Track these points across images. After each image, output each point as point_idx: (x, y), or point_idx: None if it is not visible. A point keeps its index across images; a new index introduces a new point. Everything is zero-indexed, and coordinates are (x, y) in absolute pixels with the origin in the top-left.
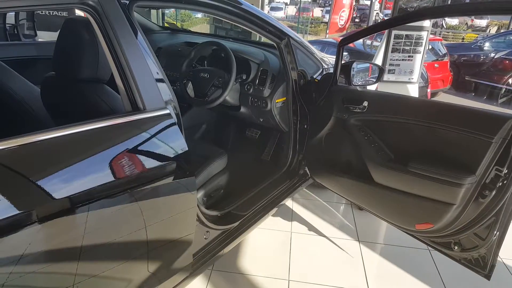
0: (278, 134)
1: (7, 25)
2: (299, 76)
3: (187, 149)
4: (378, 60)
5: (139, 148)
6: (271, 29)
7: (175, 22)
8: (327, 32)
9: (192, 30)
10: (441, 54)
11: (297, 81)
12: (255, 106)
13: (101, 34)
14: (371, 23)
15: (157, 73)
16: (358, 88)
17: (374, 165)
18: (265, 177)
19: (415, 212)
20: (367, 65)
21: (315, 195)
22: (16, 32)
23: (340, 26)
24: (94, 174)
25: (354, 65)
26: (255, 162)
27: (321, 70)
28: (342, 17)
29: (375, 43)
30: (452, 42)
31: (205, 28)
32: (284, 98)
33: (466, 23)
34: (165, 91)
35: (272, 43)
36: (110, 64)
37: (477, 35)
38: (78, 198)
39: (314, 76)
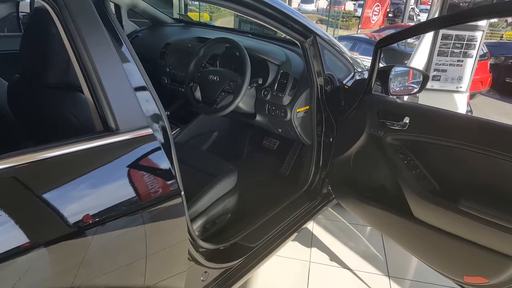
0: (299, 146)
1: (21, 13)
2: (325, 82)
3: (175, 180)
4: (415, 63)
5: (106, 183)
6: (294, 26)
7: (198, 14)
8: (359, 27)
9: (207, 23)
10: (481, 53)
11: (323, 87)
12: (272, 115)
13: (62, 30)
14: (405, 19)
15: (139, 81)
16: (397, 99)
17: (413, 196)
18: (282, 197)
19: (464, 260)
20: (407, 69)
21: (339, 214)
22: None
23: (372, 22)
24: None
25: (393, 70)
26: (272, 176)
27: (352, 74)
28: (376, 12)
29: (410, 40)
30: (490, 41)
31: (235, 20)
32: (307, 107)
33: (506, 20)
34: (149, 104)
35: (295, 41)
36: (76, 70)
37: None
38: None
39: (344, 82)
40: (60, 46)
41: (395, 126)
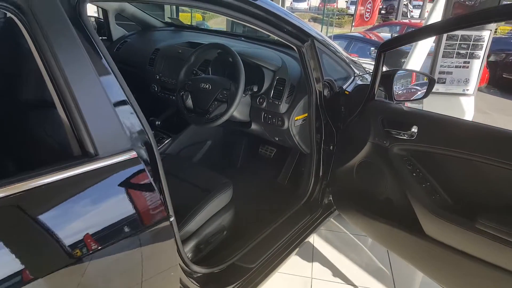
0: (297, 154)
1: None
2: (324, 87)
3: (163, 205)
4: (413, 63)
5: (84, 215)
6: (290, 29)
7: (190, 15)
8: (353, 24)
9: (199, 27)
10: None
11: (322, 93)
12: (268, 123)
13: (32, 43)
14: (399, 16)
15: (121, 98)
16: (403, 106)
17: (424, 212)
18: (281, 210)
19: (481, 283)
20: (412, 72)
21: (341, 225)
22: None
23: (366, 19)
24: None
25: (398, 74)
26: (269, 186)
27: (352, 78)
28: (368, 9)
29: None
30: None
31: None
32: (306, 115)
33: None
34: (132, 122)
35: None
36: (49, 89)
37: (511, 27)
38: None
39: (344, 87)
40: (34, 61)
41: (402, 136)
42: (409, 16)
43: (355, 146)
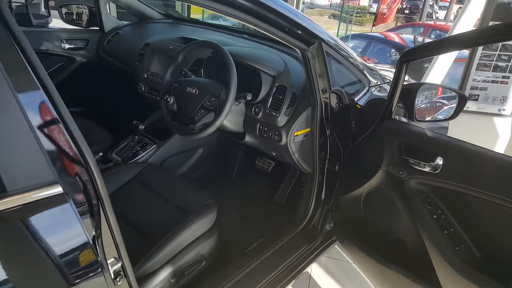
0: (298, 172)
1: (14, 3)
2: (332, 99)
3: (96, 260)
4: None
5: None
6: (294, 30)
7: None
8: (374, 24)
9: (199, 21)
10: None
11: (328, 105)
12: (264, 137)
13: None
14: (424, 17)
15: (45, 114)
16: (426, 130)
17: (444, 265)
18: (274, 236)
19: None
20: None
21: (343, 251)
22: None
23: (383, 17)
24: None
25: (422, 89)
26: (264, 204)
27: (366, 89)
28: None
29: (428, 40)
30: None
31: None
32: (308, 130)
33: None
34: (62, 146)
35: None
36: None
37: None
38: None
39: (356, 99)
40: None
41: (422, 167)
42: (434, 18)
43: (364, 171)
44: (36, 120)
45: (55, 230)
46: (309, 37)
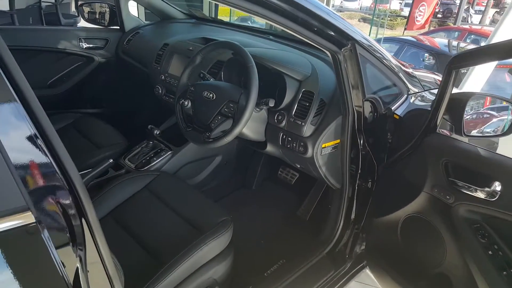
0: (324, 186)
1: (44, 3)
2: (366, 107)
3: None
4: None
5: None
6: (324, 30)
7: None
8: (405, 28)
9: (222, 21)
10: None
11: (362, 114)
12: (287, 147)
13: None
14: (459, 21)
15: (21, 130)
16: (478, 147)
17: None
18: (296, 259)
19: None
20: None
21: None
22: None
23: (417, 23)
24: None
25: (473, 100)
26: (286, 220)
27: (405, 97)
28: (421, 12)
29: (462, 44)
30: None
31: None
32: (337, 141)
33: None
34: (36, 164)
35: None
36: None
37: None
38: None
39: (393, 108)
40: None
41: (475, 192)
42: (469, 22)
43: (403, 192)
44: (4, 133)
45: (22, 270)
46: (341, 38)
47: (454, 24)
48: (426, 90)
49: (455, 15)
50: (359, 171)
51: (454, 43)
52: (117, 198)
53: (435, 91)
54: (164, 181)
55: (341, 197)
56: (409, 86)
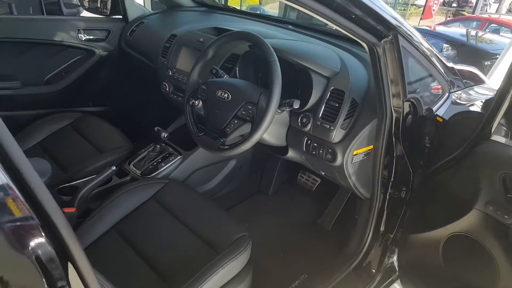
0: (349, 194)
1: None
2: (406, 108)
3: None
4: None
5: None
6: (364, 19)
7: None
8: (421, 17)
9: (235, 9)
10: None
11: (401, 117)
12: (312, 154)
13: None
14: (478, 10)
15: None
16: None
17: None
18: (320, 273)
19: None
20: None
21: None
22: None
23: (432, 11)
24: None
25: None
26: (307, 229)
27: (446, 96)
28: (437, 0)
29: (480, 33)
30: None
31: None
32: (370, 147)
33: None
34: None
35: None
36: None
37: None
38: None
39: (434, 109)
40: None
41: None
42: (487, 10)
43: (448, 208)
44: None
45: None
46: (382, 28)
47: (473, 13)
48: (467, 88)
49: (470, 4)
50: (392, 179)
51: (473, 32)
52: (121, 210)
53: (481, 89)
54: (174, 190)
55: (370, 207)
56: (452, 84)
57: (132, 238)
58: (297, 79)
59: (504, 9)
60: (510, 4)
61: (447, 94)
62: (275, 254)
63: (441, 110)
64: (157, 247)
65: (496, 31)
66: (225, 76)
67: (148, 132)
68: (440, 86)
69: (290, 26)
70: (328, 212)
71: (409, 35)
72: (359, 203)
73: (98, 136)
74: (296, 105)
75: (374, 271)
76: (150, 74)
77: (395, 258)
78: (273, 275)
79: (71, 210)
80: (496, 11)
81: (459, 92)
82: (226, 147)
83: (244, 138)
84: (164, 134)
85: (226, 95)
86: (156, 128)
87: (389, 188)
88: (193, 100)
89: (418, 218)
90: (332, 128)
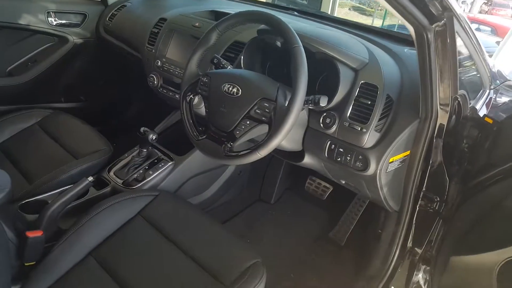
0: (365, 204)
1: None
2: (453, 107)
3: None
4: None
5: None
6: None
7: None
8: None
9: None
10: None
11: (448, 118)
12: (337, 161)
13: None
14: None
15: None
16: None
17: None
18: None
19: None
20: None
21: None
22: None
23: None
24: None
25: None
26: (316, 244)
27: (487, 93)
28: None
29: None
30: None
31: None
32: (407, 153)
33: None
34: None
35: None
36: None
37: None
38: None
39: (478, 107)
40: None
41: None
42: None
43: (503, 227)
44: None
45: None
46: (436, 9)
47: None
48: (504, 83)
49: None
50: (424, 189)
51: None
52: (101, 231)
53: None
54: (165, 205)
55: (399, 221)
56: (493, 79)
57: (114, 267)
58: (317, 72)
59: (475, 10)
60: (481, 6)
61: (488, 90)
62: (285, 276)
63: (483, 109)
64: (146, 279)
65: (477, 30)
66: (229, 66)
67: (132, 133)
68: (482, 80)
69: (296, 13)
70: (341, 225)
71: (464, 19)
72: (383, 216)
73: (71, 138)
74: (324, 102)
75: None
76: (134, 65)
77: (420, 276)
78: None
79: (37, 234)
80: (469, 12)
81: (500, 87)
82: (235, 154)
83: (258, 144)
84: (152, 136)
85: (235, 90)
86: (142, 129)
87: (420, 199)
88: (191, 96)
89: (459, 237)
90: (364, 130)
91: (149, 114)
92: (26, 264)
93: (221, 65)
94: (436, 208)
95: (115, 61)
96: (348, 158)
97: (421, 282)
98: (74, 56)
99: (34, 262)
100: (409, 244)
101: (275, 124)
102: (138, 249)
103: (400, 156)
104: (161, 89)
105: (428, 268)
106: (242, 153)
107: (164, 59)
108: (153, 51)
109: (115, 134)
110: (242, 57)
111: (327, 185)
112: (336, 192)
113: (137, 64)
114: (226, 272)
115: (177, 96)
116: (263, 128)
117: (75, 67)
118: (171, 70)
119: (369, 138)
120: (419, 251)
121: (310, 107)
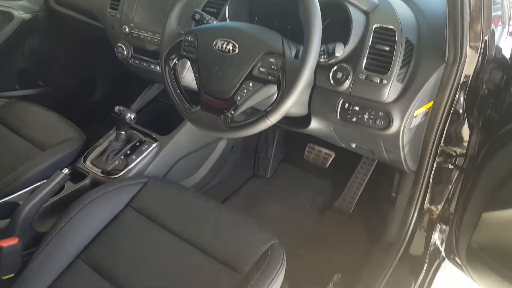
0: (372, 167)
1: None
2: (483, 47)
3: None
4: None
5: None
6: None
7: None
8: None
9: None
10: None
11: (478, 59)
12: (353, 121)
13: None
14: None
15: None
16: None
17: None
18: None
19: None
20: None
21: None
22: None
23: None
24: None
25: None
26: (322, 215)
27: (507, 30)
28: None
29: None
30: None
31: None
32: (431, 104)
33: None
34: None
35: None
36: None
37: None
38: None
39: (501, 46)
40: None
41: None
42: None
43: None
44: None
45: None
46: None
47: None
48: None
49: None
50: (442, 143)
51: None
52: (87, 230)
53: None
54: (158, 192)
55: (417, 182)
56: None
57: (109, 269)
58: (326, 16)
59: None
60: None
61: (507, 27)
62: (293, 252)
63: (507, 48)
64: (150, 278)
65: None
66: (214, 21)
67: (105, 115)
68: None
69: None
70: (347, 192)
71: None
72: (398, 178)
73: (34, 128)
74: (339, 51)
75: (423, 255)
76: (97, 37)
77: (436, 236)
78: (299, 280)
79: (11, 241)
80: None
81: None
82: (239, 124)
83: (269, 108)
84: (130, 115)
85: (230, 47)
86: (116, 108)
87: (437, 155)
88: (175, 60)
89: (491, 192)
90: (385, 81)
91: (122, 91)
92: (4, 277)
93: (205, 21)
94: (456, 162)
95: (72, 36)
96: (366, 116)
97: (438, 243)
98: (23, 34)
99: (13, 274)
100: (426, 204)
101: (286, 83)
102: (134, 244)
103: (425, 108)
104: (132, 60)
105: (444, 227)
106: (248, 121)
107: (132, 24)
108: (118, 16)
109: (86, 119)
110: (227, 9)
111: (329, 152)
112: (338, 158)
113: (100, 36)
114: (241, 259)
115: (152, 66)
116: (270, 90)
117: (26, 47)
118: (142, 36)
119: (391, 90)
120: (437, 211)
121: (322, 59)
